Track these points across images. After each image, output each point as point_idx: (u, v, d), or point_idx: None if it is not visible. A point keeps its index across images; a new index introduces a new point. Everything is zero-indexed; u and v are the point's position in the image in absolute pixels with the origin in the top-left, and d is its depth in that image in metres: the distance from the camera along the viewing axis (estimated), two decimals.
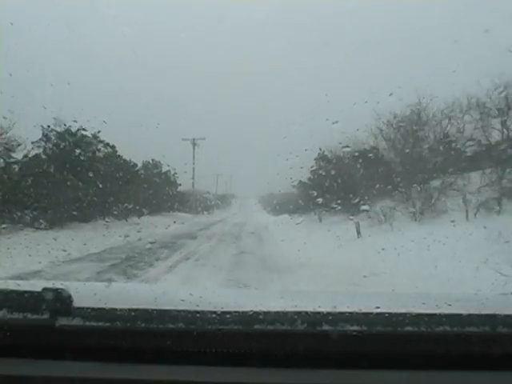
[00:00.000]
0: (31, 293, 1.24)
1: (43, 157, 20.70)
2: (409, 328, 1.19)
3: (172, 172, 35.00)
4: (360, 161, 18.39)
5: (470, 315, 1.23)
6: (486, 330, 1.18)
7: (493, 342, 1.18)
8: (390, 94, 13.15)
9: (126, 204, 22.62)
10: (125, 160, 24.63)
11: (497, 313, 1.24)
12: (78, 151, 21.01)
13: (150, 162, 34.78)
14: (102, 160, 22.40)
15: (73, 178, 19.24)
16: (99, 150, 22.88)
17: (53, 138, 21.19)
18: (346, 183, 18.56)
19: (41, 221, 17.52)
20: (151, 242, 14.88)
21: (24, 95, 17.31)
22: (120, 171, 22.86)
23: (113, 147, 23.45)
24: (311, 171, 22.72)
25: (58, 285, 1.33)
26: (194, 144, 40.92)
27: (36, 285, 1.36)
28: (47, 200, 17.71)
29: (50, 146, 21.14)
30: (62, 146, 21.05)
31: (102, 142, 22.80)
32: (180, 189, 37.22)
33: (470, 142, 16.29)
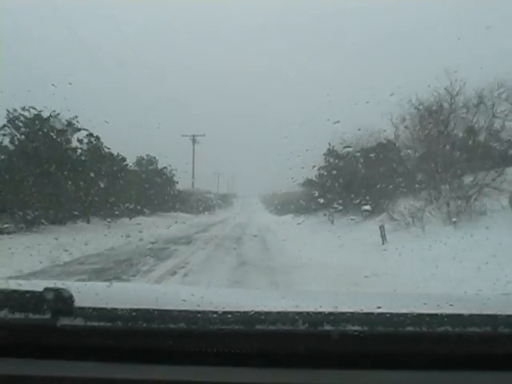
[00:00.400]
0: (33, 293, 1.25)
1: (9, 146, 18.14)
2: (410, 328, 1.19)
3: (169, 169, 32.97)
4: (376, 156, 16.55)
5: (471, 315, 1.23)
6: (487, 330, 1.19)
7: (494, 343, 1.18)
8: (391, 95, 13.14)
9: (117, 204, 20.35)
10: (110, 153, 21.94)
11: (498, 313, 1.24)
12: (51, 140, 18.05)
13: (145, 157, 32.66)
14: (83, 153, 19.94)
15: (44, 172, 16.66)
16: (81, 141, 20.19)
17: (21, 124, 18.16)
18: (359, 181, 16.75)
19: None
20: (137, 248, 12.91)
21: (24, 95, 17.34)
22: (104, 166, 20.31)
23: (97, 138, 20.66)
24: (319, 168, 20.73)
25: (59, 285, 1.33)
26: (194, 141, 39.44)
27: (37, 285, 1.36)
28: (9, 198, 15.42)
29: (18, 134, 18.19)
30: (31, 134, 18.07)
31: (79, 129, 19.73)
32: (179, 188, 35.56)
33: (504, 134, 14.42)
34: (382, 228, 12.53)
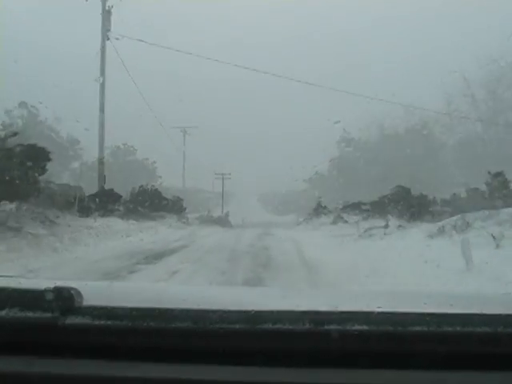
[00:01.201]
0: (33, 291, 1.25)
1: None
2: (410, 327, 1.19)
3: (151, 161, 29.09)
4: (415, 138, 12.77)
5: (471, 315, 1.23)
6: (487, 329, 1.19)
7: (495, 342, 1.19)
8: (392, 94, 13.02)
9: (69, 200, 16.71)
10: (51, 128, 17.47)
11: (499, 312, 1.25)
12: None
13: (121, 147, 28.74)
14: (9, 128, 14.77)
15: None
16: (10, 113, 15.67)
17: None
18: (389, 173, 13.73)
19: None
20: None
21: (25, 95, 17.30)
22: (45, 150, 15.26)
23: (34, 108, 15.95)
24: (331, 161, 18.40)
25: (60, 283, 1.33)
26: (185, 132, 35.84)
27: (38, 283, 1.36)
28: None
29: None
30: None
31: None
32: (166, 184, 30.99)
33: None
34: (465, 245, 7.79)
